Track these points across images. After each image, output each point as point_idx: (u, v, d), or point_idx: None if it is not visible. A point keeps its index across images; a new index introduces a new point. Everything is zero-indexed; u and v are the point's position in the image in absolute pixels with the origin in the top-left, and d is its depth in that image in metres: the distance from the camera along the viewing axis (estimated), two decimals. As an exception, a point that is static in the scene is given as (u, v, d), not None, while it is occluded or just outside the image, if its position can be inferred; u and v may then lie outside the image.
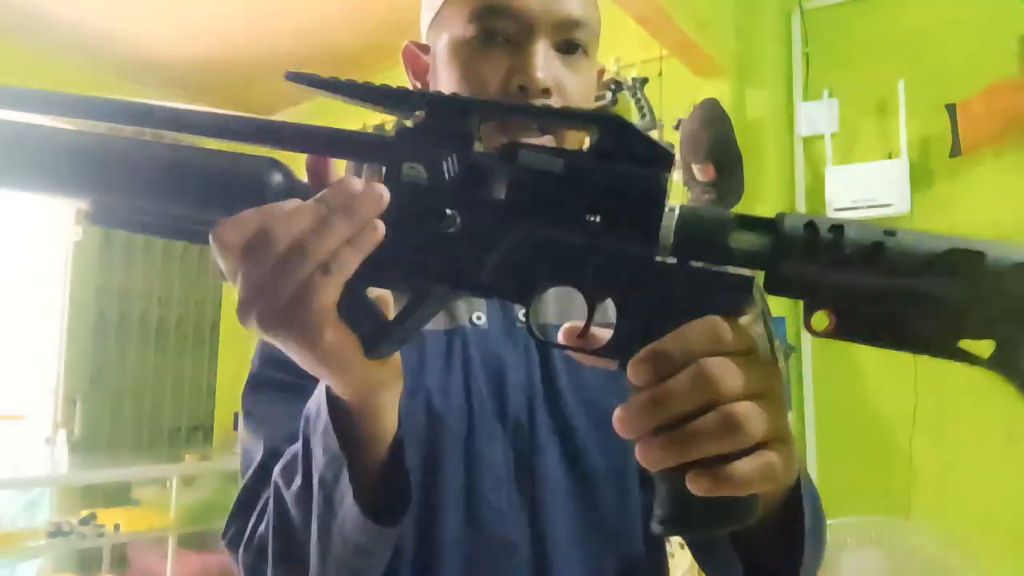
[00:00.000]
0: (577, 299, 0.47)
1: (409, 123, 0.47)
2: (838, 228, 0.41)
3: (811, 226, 0.42)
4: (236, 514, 0.67)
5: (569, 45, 0.70)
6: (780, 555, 0.56)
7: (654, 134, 2.28)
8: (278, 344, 0.45)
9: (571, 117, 0.53)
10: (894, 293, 0.41)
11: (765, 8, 2.42)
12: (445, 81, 0.71)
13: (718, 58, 2.29)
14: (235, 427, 3.69)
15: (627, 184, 0.44)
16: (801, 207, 2.38)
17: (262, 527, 0.63)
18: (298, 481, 0.57)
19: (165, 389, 3.59)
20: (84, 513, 2.83)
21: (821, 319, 0.42)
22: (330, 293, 0.43)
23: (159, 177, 0.47)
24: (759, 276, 0.44)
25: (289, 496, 0.58)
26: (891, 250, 0.41)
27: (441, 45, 0.72)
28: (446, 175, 0.46)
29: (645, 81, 2.26)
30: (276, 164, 0.47)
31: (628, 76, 2.28)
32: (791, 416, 1.78)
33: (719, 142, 2.22)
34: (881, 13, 2.33)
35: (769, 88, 2.40)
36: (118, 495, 3.18)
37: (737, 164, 2.28)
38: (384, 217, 0.44)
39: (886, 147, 2.28)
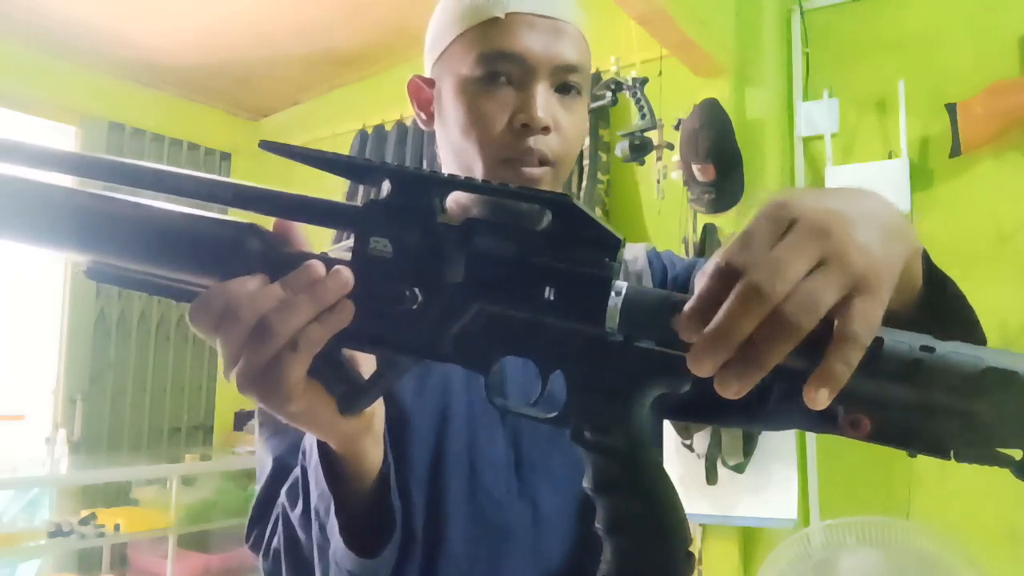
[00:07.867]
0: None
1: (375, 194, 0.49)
2: (878, 340, 0.41)
3: None
4: (254, 520, 0.74)
5: (566, 87, 0.75)
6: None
7: (654, 134, 2.28)
8: (256, 402, 0.49)
9: (527, 196, 0.55)
10: (929, 407, 0.42)
11: (765, 8, 2.41)
12: (451, 115, 0.76)
13: (718, 58, 2.28)
14: (235, 427, 3.69)
15: (575, 270, 0.46)
16: (801, 207, 2.37)
17: (275, 540, 0.68)
18: (300, 506, 0.63)
19: (165, 389, 3.58)
20: (84, 513, 2.83)
21: (857, 422, 0.43)
22: (298, 367, 0.46)
23: (147, 243, 0.49)
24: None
25: (294, 517, 0.64)
26: (928, 368, 0.41)
27: (447, 81, 0.77)
28: (409, 251, 0.48)
29: (645, 81, 2.26)
30: (253, 229, 0.49)
31: (628, 76, 2.27)
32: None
33: (719, 142, 2.22)
34: (881, 13, 2.33)
35: (769, 88, 2.39)
36: (118, 495, 3.18)
37: (737, 164, 2.28)
38: (351, 292, 0.47)
39: (886, 147, 2.28)
